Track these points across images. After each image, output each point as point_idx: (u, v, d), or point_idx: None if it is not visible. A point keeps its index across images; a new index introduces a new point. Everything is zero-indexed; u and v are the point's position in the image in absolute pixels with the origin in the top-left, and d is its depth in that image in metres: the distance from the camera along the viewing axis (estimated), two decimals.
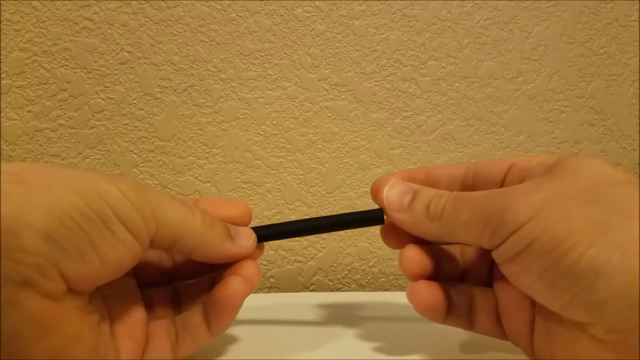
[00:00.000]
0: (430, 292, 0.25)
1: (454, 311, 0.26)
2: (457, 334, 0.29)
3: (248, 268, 0.25)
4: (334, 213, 0.41)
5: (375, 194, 0.27)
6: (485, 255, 0.27)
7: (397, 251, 0.42)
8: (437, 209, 0.24)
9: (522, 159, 0.25)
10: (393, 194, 0.26)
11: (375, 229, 0.42)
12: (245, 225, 0.27)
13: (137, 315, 0.24)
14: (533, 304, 0.24)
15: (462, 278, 0.27)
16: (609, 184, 0.21)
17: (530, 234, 0.20)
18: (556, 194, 0.21)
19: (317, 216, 0.28)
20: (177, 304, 0.27)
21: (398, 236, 0.27)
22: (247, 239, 0.26)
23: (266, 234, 0.27)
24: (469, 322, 0.26)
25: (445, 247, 0.28)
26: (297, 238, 0.41)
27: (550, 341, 0.23)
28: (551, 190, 0.21)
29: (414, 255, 0.26)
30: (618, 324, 0.19)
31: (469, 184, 0.27)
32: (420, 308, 0.25)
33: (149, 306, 0.26)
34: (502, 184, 0.26)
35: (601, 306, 0.19)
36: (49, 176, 0.20)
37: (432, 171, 0.28)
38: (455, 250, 0.28)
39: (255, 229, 0.27)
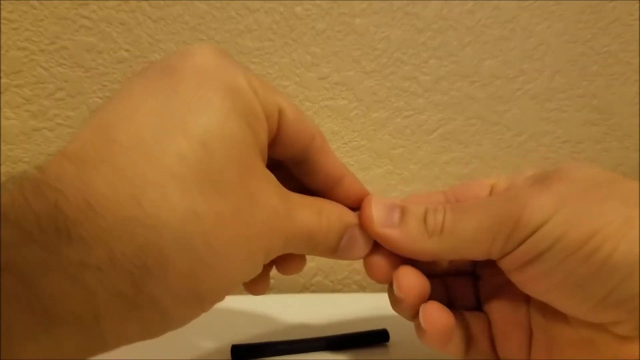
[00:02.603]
0: (444, 314, 0.22)
1: (454, 337, 0.23)
2: None
3: None
4: None
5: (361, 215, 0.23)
6: (468, 281, 0.25)
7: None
8: (437, 223, 0.21)
9: (503, 178, 0.24)
10: (379, 209, 0.22)
11: None
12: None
13: None
14: (528, 318, 0.23)
15: (450, 305, 0.24)
16: (613, 180, 0.21)
17: (552, 234, 0.19)
18: (570, 191, 0.20)
19: (324, 336, 0.29)
20: None
21: (381, 264, 0.23)
22: (361, 251, 0.23)
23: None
24: (466, 348, 0.24)
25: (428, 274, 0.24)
26: None
27: (553, 351, 0.22)
28: (563, 188, 0.20)
29: (412, 279, 0.22)
30: None
31: None
32: (437, 332, 0.22)
33: None
34: None
35: (635, 301, 0.18)
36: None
37: (409, 201, 0.25)
38: (437, 278, 0.25)
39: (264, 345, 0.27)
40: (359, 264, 0.42)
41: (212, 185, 0.17)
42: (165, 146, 0.16)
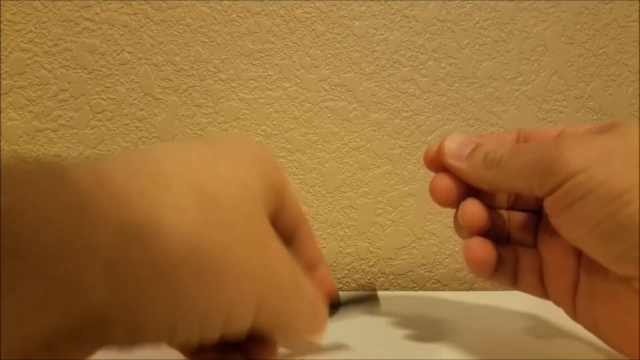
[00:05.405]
0: (484, 248, 0.25)
1: (501, 269, 0.26)
2: (458, 333, 0.29)
3: None
4: (334, 214, 0.42)
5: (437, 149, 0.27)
6: (531, 218, 0.27)
7: (397, 251, 0.42)
8: (495, 157, 0.24)
9: (571, 126, 0.26)
10: (452, 144, 0.26)
11: (377, 229, 0.42)
12: None
13: None
14: (578, 264, 0.24)
15: (508, 239, 0.28)
16: None
17: (587, 184, 0.20)
18: (612, 148, 0.21)
19: None
20: None
21: (446, 188, 0.26)
22: (320, 335, 0.24)
23: None
24: (513, 280, 0.26)
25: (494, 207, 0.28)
26: None
27: (593, 300, 0.23)
28: (607, 144, 0.21)
29: (475, 209, 0.26)
30: None
31: None
32: (474, 264, 0.25)
33: None
34: None
35: None
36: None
37: (484, 138, 0.28)
38: (502, 212, 0.28)
39: None
40: (358, 263, 0.43)
41: (220, 210, 0.19)
42: (198, 179, 0.19)
